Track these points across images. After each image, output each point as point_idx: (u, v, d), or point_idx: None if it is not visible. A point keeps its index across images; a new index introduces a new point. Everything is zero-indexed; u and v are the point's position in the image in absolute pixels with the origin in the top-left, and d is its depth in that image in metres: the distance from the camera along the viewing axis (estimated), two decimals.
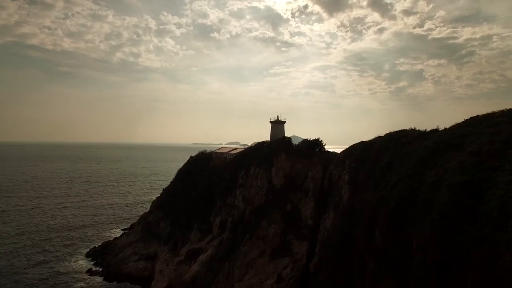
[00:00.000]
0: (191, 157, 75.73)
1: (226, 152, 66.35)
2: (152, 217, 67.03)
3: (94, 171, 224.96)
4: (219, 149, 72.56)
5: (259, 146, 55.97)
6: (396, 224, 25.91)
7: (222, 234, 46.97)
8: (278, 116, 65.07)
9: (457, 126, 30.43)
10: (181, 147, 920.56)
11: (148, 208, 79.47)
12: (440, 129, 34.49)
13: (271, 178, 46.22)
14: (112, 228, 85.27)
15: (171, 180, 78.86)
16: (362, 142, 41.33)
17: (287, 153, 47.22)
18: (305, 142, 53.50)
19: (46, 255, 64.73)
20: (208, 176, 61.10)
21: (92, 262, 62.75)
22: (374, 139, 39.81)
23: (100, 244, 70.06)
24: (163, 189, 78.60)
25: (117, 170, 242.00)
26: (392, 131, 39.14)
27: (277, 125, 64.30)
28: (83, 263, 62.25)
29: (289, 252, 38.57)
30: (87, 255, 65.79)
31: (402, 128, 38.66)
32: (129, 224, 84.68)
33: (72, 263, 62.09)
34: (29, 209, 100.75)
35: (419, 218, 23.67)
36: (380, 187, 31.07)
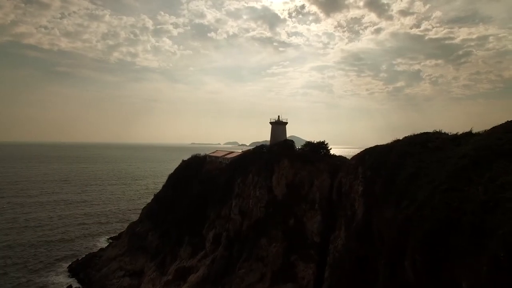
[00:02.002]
0: (183, 160, 69.69)
1: (221, 156, 60.39)
2: (140, 227, 61.04)
3: (90, 172, 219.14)
4: (213, 152, 66.54)
5: (258, 150, 50.17)
6: (434, 255, 20.29)
7: (216, 251, 41.15)
8: (279, 116, 59.05)
9: (501, 129, 24.78)
10: (179, 147, 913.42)
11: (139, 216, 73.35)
12: (474, 132, 29.02)
13: (272, 187, 40.47)
14: (100, 237, 79.39)
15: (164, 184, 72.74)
16: (377, 146, 35.59)
17: (290, 158, 41.42)
18: (309, 145, 47.63)
19: (24, 268, 58.84)
20: (201, 183, 55.14)
21: (74, 278, 56.75)
22: (391, 143, 34.29)
23: (84, 256, 63.99)
24: (154, 195, 72.48)
25: (113, 171, 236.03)
26: (413, 134, 33.75)
27: (278, 126, 58.16)
28: (63, 279, 56.20)
29: (293, 277, 32.79)
30: (69, 269, 59.83)
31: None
32: (118, 233, 78.63)
33: (50, 277, 56.15)
34: (16, 216, 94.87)
35: (468, 249, 18.09)
36: (406, 203, 25.52)
